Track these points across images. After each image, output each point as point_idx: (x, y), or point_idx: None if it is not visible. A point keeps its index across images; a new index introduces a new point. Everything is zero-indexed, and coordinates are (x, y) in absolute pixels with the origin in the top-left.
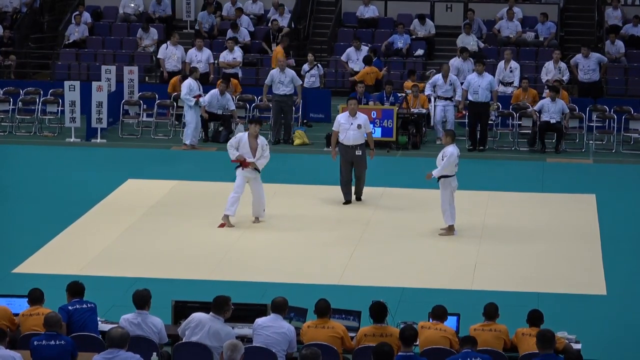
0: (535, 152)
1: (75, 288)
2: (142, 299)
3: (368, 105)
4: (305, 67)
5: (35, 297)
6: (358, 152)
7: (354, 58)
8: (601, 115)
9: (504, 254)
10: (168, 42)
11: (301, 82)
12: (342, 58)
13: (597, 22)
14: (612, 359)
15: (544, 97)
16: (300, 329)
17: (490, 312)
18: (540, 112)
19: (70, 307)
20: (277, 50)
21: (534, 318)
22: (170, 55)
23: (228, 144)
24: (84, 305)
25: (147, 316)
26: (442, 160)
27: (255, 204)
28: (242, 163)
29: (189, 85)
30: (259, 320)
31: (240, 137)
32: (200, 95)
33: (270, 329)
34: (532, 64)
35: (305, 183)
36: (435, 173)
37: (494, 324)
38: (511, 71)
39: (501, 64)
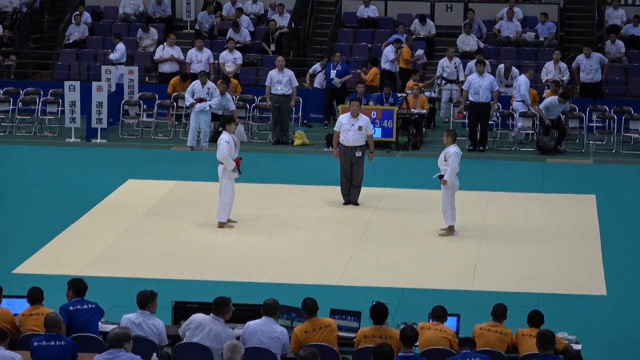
0: (535, 152)
1: (78, 286)
2: (144, 300)
3: (368, 105)
4: (317, 67)
5: (35, 297)
6: (358, 154)
7: (393, 58)
8: (601, 116)
9: (504, 254)
10: (165, 44)
11: (297, 84)
12: (389, 56)
13: (597, 22)
14: (612, 359)
15: (544, 97)
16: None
17: (498, 313)
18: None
19: (71, 308)
20: (405, 50)
21: (535, 319)
22: (168, 56)
23: (223, 155)
24: (85, 306)
25: (149, 317)
26: (445, 161)
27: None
28: (237, 163)
29: (192, 85)
30: (250, 324)
31: (230, 143)
32: (201, 100)
33: (263, 333)
34: (532, 64)
35: (305, 183)
36: (447, 177)
37: (501, 325)
38: (512, 78)
39: (501, 71)
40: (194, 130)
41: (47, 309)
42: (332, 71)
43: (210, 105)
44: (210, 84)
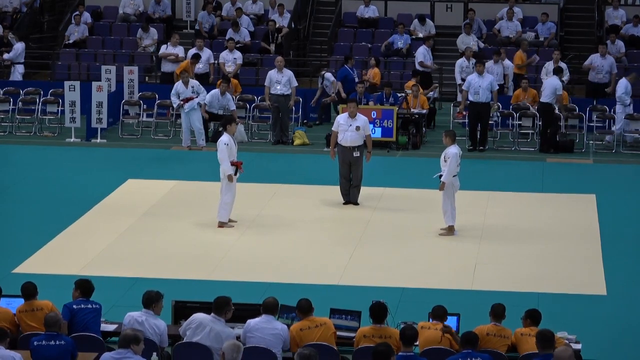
0: (535, 151)
1: (85, 287)
2: (149, 299)
3: (368, 105)
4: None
5: (29, 292)
6: (356, 154)
7: (428, 57)
8: (601, 115)
9: (504, 254)
10: (168, 43)
11: (297, 84)
12: (417, 58)
13: (597, 22)
14: (612, 359)
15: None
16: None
17: (499, 313)
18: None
19: (75, 306)
20: (517, 55)
21: (533, 317)
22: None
23: (222, 157)
24: (89, 306)
25: (153, 317)
26: (445, 161)
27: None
28: (238, 166)
29: (176, 86)
30: (252, 322)
31: (230, 145)
32: (189, 99)
33: (264, 330)
34: (532, 64)
35: (305, 183)
36: (444, 178)
37: (503, 328)
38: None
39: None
40: (186, 130)
41: (41, 302)
42: (355, 77)
43: (199, 103)
44: (193, 81)
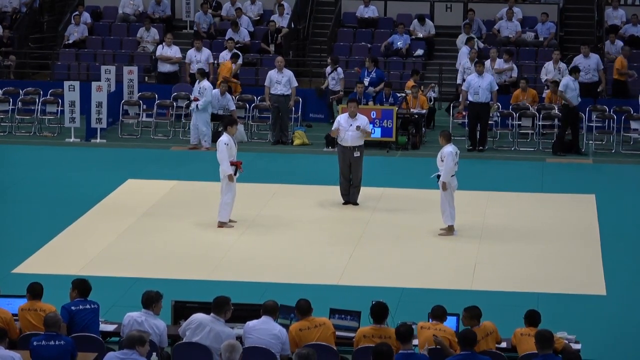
0: (535, 151)
1: (83, 287)
2: (149, 300)
3: (367, 105)
4: (328, 69)
5: (36, 292)
6: (356, 154)
7: (466, 59)
8: (601, 115)
9: (504, 254)
10: (163, 43)
11: (297, 84)
12: (467, 64)
13: (597, 22)
14: (612, 359)
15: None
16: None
17: (478, 314)
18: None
19: (73, 308)
20: (619, 60)
21: (532, 318)
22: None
23: (222, 157)
24: (88, 306)
25: (152, 317)
26: (442, 161)
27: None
28: (238, 166)
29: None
30: (250, 323)
31: (230, 145)
32: (196, 99)
33: (262, 331)
34: (532, 64)
35: (305, 183)
36: (443, 177)
37: (484, 327)
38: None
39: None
40: (193, 128)
41: (45, 305)
42: (365, 79)
43: (197, 106)
44: (205, 83)
